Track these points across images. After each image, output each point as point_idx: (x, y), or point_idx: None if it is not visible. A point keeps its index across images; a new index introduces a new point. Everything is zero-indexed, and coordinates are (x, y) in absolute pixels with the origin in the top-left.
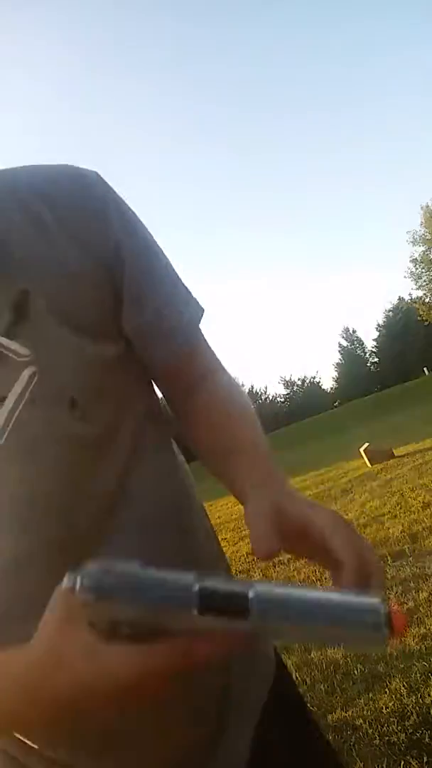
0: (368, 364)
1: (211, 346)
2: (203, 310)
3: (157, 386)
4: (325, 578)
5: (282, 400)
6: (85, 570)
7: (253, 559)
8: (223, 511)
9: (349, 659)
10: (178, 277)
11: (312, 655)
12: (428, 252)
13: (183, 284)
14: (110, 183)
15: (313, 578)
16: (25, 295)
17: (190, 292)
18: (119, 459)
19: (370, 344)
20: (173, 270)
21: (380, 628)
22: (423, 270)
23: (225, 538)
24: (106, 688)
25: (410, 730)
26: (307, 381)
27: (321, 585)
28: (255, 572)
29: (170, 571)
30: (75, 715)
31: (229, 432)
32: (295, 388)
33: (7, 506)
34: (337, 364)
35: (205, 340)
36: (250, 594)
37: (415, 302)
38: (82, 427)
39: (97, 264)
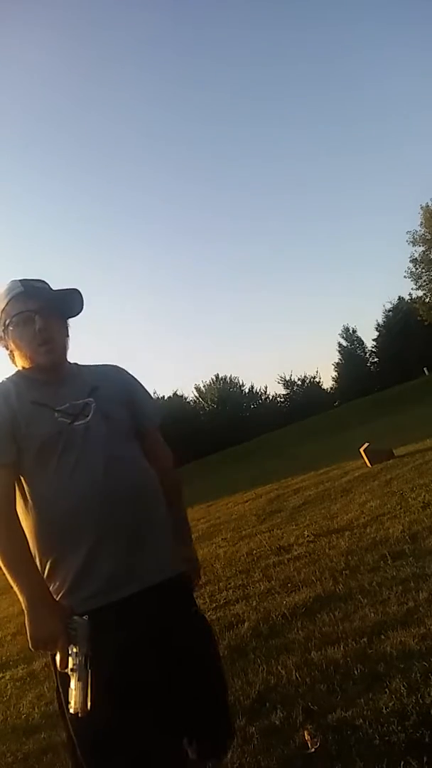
0: (368, 364)
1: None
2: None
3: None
4: (324, 578)
5: (282, 400)
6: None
7: (254, 559)
8: (223, 511)
9: (349, 659)
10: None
11: (312, 655)
12: (428, 252)
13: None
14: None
15: (313, 578)
16: (97, 387)
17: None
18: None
19: (370, 344)
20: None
21: None
22: (423, 270)
23: (225, 538)
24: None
25: (410, 730)
26: (307, 381)
27: (320, 585)
28: (255, 572)
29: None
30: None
31: None
32: (295, 388)
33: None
34: (337, 364)
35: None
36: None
37: (415, 302)
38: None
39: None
